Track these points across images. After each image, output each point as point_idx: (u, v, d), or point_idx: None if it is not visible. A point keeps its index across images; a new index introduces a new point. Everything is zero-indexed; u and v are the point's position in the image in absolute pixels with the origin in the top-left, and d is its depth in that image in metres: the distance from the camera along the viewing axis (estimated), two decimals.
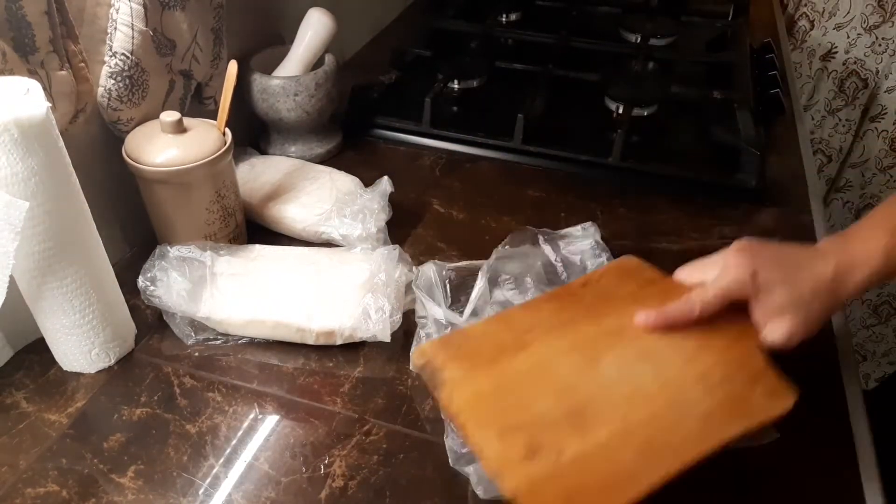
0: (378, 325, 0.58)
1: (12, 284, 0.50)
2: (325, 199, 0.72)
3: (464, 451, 0.49)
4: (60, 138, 0.49)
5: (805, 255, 0.51)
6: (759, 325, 0.50)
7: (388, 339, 0.58)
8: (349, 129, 0.89)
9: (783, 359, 0.60)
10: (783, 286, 0.49)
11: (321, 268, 0.63)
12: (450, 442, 0.51)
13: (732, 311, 0.51)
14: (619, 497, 0.41)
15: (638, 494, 0.41)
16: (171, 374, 0.58)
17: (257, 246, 0.66)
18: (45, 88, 0.51)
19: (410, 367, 0.56)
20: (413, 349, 0.56)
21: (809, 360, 0.60)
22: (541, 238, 0.66)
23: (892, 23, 1.39)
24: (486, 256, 0.71)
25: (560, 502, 0.41)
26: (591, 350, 0.49)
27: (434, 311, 0.58)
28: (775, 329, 0.49)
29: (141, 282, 0.59)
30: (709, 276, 0.51)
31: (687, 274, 0.54)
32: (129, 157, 0.61)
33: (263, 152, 0.84)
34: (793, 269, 0.50)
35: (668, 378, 0.48)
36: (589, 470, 0.42)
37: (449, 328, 0.57)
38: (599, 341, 0.50)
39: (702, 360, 0.49)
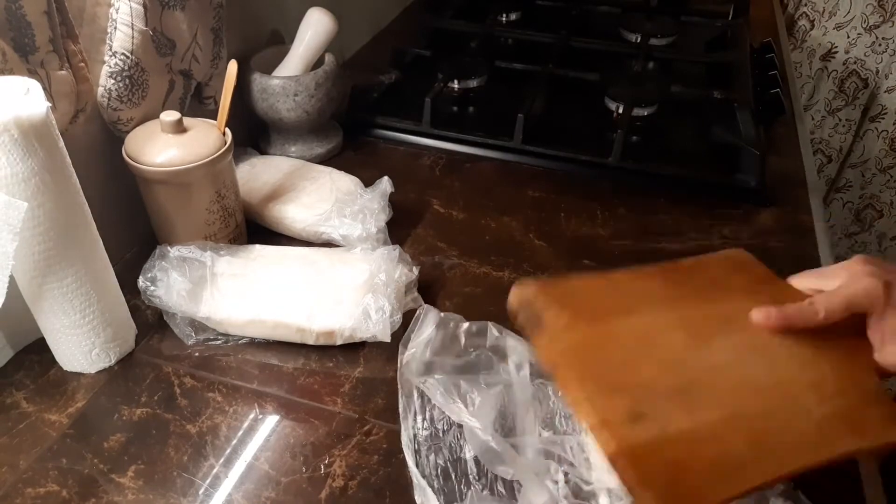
0: (378, 326, 0.58)
1: (12, 285, 0.50)
2: (325, 199, 0.72)
3: None
4: (60, 138, 0.49)
5: None
6: (877, 344, 0.46)
7: (388, 340, 0.58)
8: (349, 129, 0.89)
9: None
10: None
11: (321, 268, 0.63)
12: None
13: (846, 325, 0.47)
14: (727, 486, 0.39)
15: (747, 488, 0.39)
16: (171, 374, 0.58)
17: (257, 246, 0.66)
18: (45, 88, 0.51)
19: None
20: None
21: None
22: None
23: (893, 23, 1.39)
24: (487, 256, 0.71)
25: (664, 475, 0.38)
26: (701, 331, 0.46)
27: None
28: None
29: (141, 282, 0.59)
30: (827, 285, 0.48)
31: (802, 280, 0.51)
32: (129, 157, 0.61)
33: (263, 152, 0.84)
34: None
35: (781, 377, 0.45)
36: (697, 449, 0.40)
37: None
38: (710, 324, 0.47)
39: (817, 367, 0.46)
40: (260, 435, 0.54)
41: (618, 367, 0.43)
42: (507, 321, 0.63)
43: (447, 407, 0.50)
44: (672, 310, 0.48)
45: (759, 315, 0.48)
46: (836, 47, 1.46)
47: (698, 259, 0.53)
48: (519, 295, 0.47)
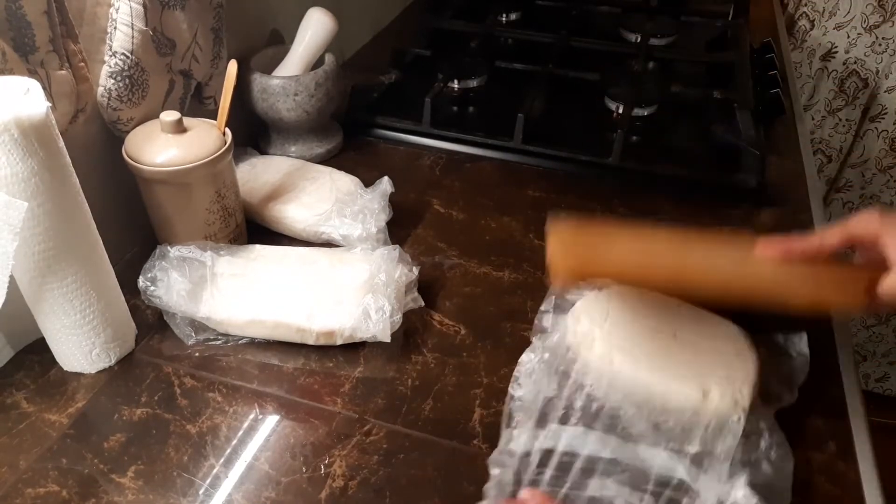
0: (378, 326, 0.58)
1: (12, 285, 0.50)
2: (325, 199, 0.72)
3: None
4: (60, 138, 0.49)
5: None
6: (891, 260, 0.47)
7: (388, 340, 0.58)
8: (349, 129, 0.89)
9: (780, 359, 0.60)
10: None
11: (321, 268, 0.63)
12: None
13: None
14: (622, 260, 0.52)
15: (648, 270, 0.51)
16: (171, 375, 0.58)
17: (257, 246, 0.66)
18: (44, 88, 0.51)
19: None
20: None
21: (810, 360, 0.60)
22: None
23: (893, 22, 1.39)
24: (487, 256, 0.71)
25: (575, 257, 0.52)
26: (692, 244, 0.54)
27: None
28: None
29: (141, 282, 0.59)
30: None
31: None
32: (129, 157, 0.61)
33: (263, 152, 0.84)
34: None
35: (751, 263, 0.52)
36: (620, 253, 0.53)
37: None
38: (705, 242, 0.54)
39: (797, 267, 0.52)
40: (260, 435, 0.54)
41: (599, 247, 0.54)
42: (506, 321, 0.64)
43: None
44: (673, 237, 0.55)
45: (762, 244, 0.52)
46: (836, 47, 1.46)
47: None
48: (556, 235, 0.55)
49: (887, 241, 0.48)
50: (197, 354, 0.60)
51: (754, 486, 0.46)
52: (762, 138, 0.84)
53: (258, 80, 0.78)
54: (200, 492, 0.49)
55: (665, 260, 0.53)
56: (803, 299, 0.51)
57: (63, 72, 0.55)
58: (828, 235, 0.50)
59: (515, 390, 0.53)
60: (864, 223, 0.49)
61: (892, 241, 0.48)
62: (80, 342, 0.56)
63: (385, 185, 0.73)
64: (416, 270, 0.64)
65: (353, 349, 0.60)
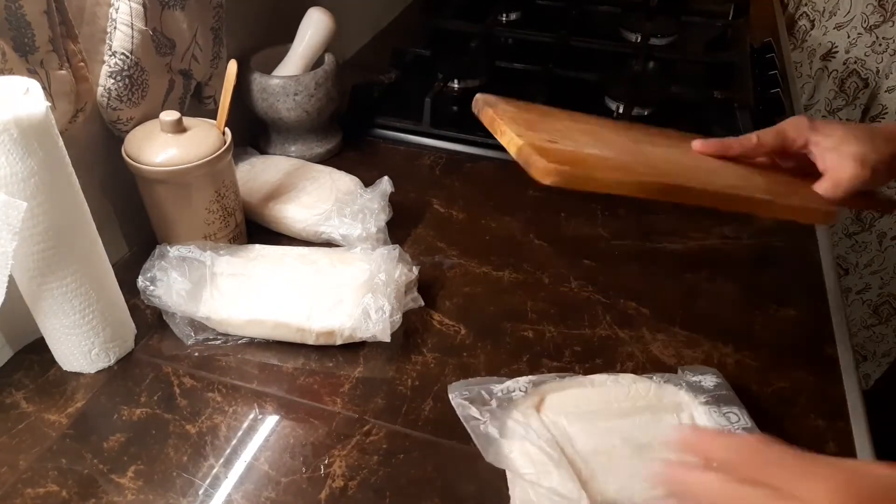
0: (378, 326, 0.58)
1: (12, 285, 0.50)
2: (325, 199, 0.72)
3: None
4: (60, 138, 0.49)
5: None
6: (822, 165, 0.52)
7: (388, 340, 0.58)
8: (349, 129, 0.89)
9: (782, 360, 0.60)
10: (842, 126, 0.52)
11: (321, 268, 0.63)
12: (483, 429, 0.49)
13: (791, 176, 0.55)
14: (612, 172, 0.49)
15: (631, 177, 0.49)
16: (170, 374, 0.58)
17: (257, 246, 0.66)
18: (44, 88, 0.51)
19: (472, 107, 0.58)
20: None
21: (810, 360, 0.60)
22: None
23: (893, 22, 1.39)
24: (487, 256, 0.71)
25: (560, 161, 0.48)
26: (638, 137, 0.56)
27: None
28: (843, 156, 0.50)
29: (141, 282, 0.59)
30: None
31: None
32: (128, 156, 0.61)
33: (263, 152, 0.84)
34: (848, 122, 0.55)
35: (707, 161, 0.54)
36: (597, 156, 0.51)
37: None
38: (649, 138, 0.57)
39: (747, 170, 0.54)
40: (260, 435, 0.53)
41: (550, 126, 0.54)
42: (506, 321, 0.63)
43: None
44: (616, 129, 0.59)
45: (698, 142, 0.56)
46: (836, 47, 1.46)
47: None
48: (484, 99, 0.57)
49: (817, 143, 0.52)
50: (196, 354, 0.60)
51: None
52: None
53: (258, 79, 0.78)
54: (200, 492, 0.49)
55: (632, 152, 0.55)
56: (785, 204, 0.52)
57: (63, 72, 0.55)
58: (762, 135, 0.55)
59: None
60: (793, 128, 0.54)
61: (824, 143, 0.52)
62: (79, 342, 0.56)
63: (385, 184, 0.73)
64: (416, 270, 0.64)
65: (353, 349, 0.60)
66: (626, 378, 0.54)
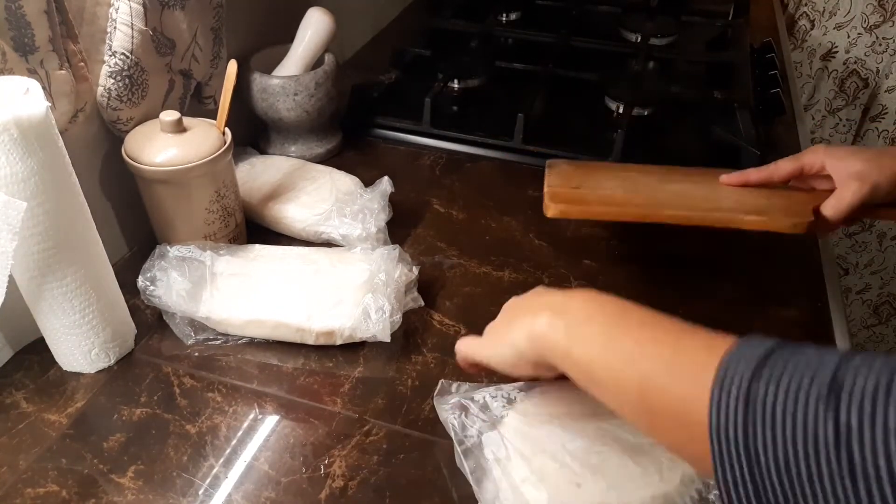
0: (378, 326, 0.58)
1: (12, 285, 0.50)
2: (325, 199, 0.72)
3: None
4: (60, 138, 0.49)
5: None
6: (838, 180, 0.57)
7: (388, 340, 0.58)
8: (349, 129, 0.89)
9: None
10: (852, 147, 0.60)
11: (321, 268, 0.63)
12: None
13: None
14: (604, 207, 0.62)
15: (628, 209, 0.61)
16: (170, 374, 0.58)
17: (257, 246, 0.66)
18: (44, 88, 0.51)
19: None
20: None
21: None
22: None
23: (893, 22, 1.39)
24: (487, 256, 0.71)
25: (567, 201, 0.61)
26: (671, 178, 0.66)
27: None
28: (849, 171, 0.56)
29: (141, 282, 0.59)
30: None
31: None
32: (128, 156, 0.61)
33: (263, 152, 0.84)
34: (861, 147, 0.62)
35: (716, 189, 0.64)
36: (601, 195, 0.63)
37: None
38: (683, 177, 0.66)
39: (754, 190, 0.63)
40: (260, 435, 0.53)
41: (589, 177, 0.66)
42: None
43: None
44: (655, 174, 0.67)
45: (723, 177, 0.64)
46: (836, 47, 1.46)
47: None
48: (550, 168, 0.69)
49: (830, 166, 0.58)
50: (196, 354, 0.60)
51: None
52: (762, 138, 0.84)
53: (258, 79, 0.78)
54: (200, 492, 0.49)
55: (644, 189, 0.64)
56: (758, 219, 0.59)
57: (63, 71, 0.55)
58: (781, 164, 0.61)
59: None
60: (811, 154, 0.60)
61: (835, 165, 0.57)
62: (79, 342, 0.56)
63: (385, 184, 0.73)
64: (416, 270, 0.64)
65: (353, 349, 0.60)
66: None
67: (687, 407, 0.33)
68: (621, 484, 0.45)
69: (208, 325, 0.60)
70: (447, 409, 0.50)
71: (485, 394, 0.51)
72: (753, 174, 0.63)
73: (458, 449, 0.48)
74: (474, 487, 0.47)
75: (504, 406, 0.50)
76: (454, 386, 0.53)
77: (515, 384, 0.52)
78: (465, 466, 0.47)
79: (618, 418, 0.49)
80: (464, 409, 0.50)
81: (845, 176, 0.57)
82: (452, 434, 0.49)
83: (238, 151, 0.79)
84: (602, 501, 0.45)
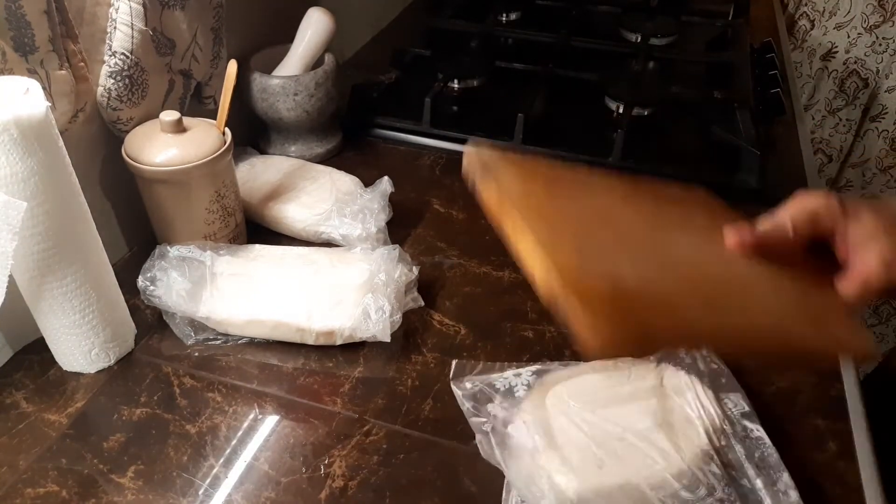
0: (378, 326, 0.58)
1: (12, 284, 0.50)
2: (325, 199, 0.72)
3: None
4: (60, 138, 0.49)
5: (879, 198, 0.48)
6: (848, 254, 0.45)
7: (388, 340, 0.58)
8: (349, 129, 0.89)
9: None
10: (870, 211, 0.45)
11: (321, 268, 0.63)
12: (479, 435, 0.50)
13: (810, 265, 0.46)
14: (673, 332, 0.38)
15: (693, 337, 0.39)
16: (170, 374, 0.58)
17: (257, 246, 0.66)
18: (44, 88, 0.51)
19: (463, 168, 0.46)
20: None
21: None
22: None
23: (893, 22, 1.39)
24: (487, 256, 0.71)
25: (612, 316, 0.36)
26: (659, 222, 0.45)
27: None
28: (869, 253, 0.44)
29: (141, 282, 0.59)
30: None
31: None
32: (128, 156, 0.61)
33: (263, 152, 0.84)
34: (872, 201, 0.46)
35: (739, 272, 0.44)
36: (645, 299, 0.38)
37: None
38: (669, 220, 0.46)
39: (778, 277, 0.45)
40: (260, 435, 0.53)
41: (571, 226, 0.42)
42: (506, 320, 0.63)
43: None
44: (631, 204, 0.46)
45: (730, 233, 0.46)
46: (836, 47, 1.46)
47: (660, 183, 0.51)
48: (476, 154, 0.44)
49: (841, 237, 0.46)
50: (196, 354, 0.60)
51: None
52: (762, 138, 0.84)
53: (258, 79, 0.78)
54: (200, 492, 0.49)
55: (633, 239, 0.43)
56: (804, 340, 0.43)
57: (63, 72, 0.55)
58: (796, 223, 0.46)
59: None
60: (828, 213, 0.46)
61: (848, 238, 0.45)
62: (79, 342, 0.56)
63: (385, 184, 0.73)
64: (416, 270, 0.64)
65: (353, 349, 0.60)
66: (626, 362, 0.55)
67: None
68: (644, 465, 0.47)
69: (208, 325, 0.60)
70: (468, 395, 0.51)
71: (506, 378, 0.52)
72: (770, 239, 0.46)
73: (484, 437, 0.49)
74: (505, 471, 0.48)
75: (526, 389, 0.52)
76: (468, 366, 0.54)
77: (531, 367, 0.53)
78: (496, 452, 0.48)
79: (633, 403, 0.51)
80: (485, 394, 0.51)
81: (867, 255, 0.45)
82: (472, 418, 0.50)
83: (238, 151, 0.79)
84: (627, 481, 0.46)
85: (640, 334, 0.37)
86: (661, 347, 0.42)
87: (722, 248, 0.46)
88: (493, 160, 0.44)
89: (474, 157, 0.44)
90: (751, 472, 0.48)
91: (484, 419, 0.50)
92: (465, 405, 0.51)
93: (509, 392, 0.52)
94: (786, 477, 0.47)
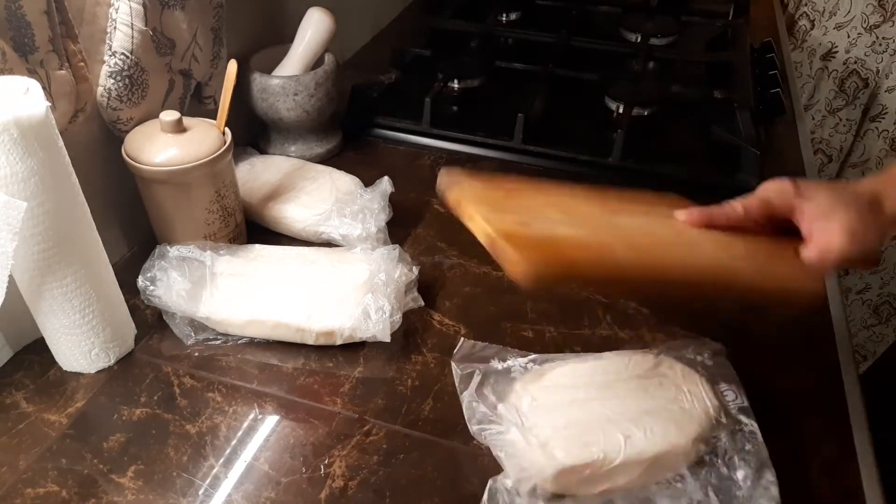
0: (378, 326, 0.58)
1: (12, 285, 0.50)
2: (325, 199, 0.72)
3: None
4: (60, 138, 0.49)
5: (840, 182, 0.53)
6: (808, 233, 0.49)
7: (388, 340, 0.58)
8: (349, 129, 0.89)
9: (782, 360, 0.60)
10: (827, 191, 0.49)
11: (321, 268, 0.63)
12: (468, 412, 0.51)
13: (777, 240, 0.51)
14: (609, 267, 0.45)
15: (631, 275, 0.45)
16: (170, 374, 0.58)
17: (257, 246, 0.66)
18: (44, 88, 0.50)
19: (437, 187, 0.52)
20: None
21: (810, 360, 0.60)
22: None
23: (893, 22, 1.39)
24: (487, 256, 0.70)
25: (539, 249, 0.43)
26: (619, 210, 0.52)
27: None
28: (831, 223, 0.47)
29: (141, 282, 0.59)
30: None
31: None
32: (128, 156, 0.61)
33: (263, 152, 0.84)
34: (831, 183, 0.50)
35: (688, 233, 0.50)
36: (579, 240, 0.46)
37: None
38: (624, 206, 0.52)
39: (729, 237, 0.51)
40: (260, 435, 0.53)
41: (517, 204, 0.49)
42: (506, 320, 0.63)
43: None
44: (592, 199, 0.53)
45: (681, 212, 0.52)
46: (836, 47, 1.46)
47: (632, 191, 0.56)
48: (448, 174, 0.51)
49: (800, 214, 0.50)
50: (196, 354, 0.60)
51: None
52: (762, 138, 0.84)
53: (258, 79, 0.78)
54: (200, 492, 0.49)
55: (592, 230, 0.49)
56: (746, 277, 0.49)
57: (63, 72, 0.55)
58: (747, 204, 0.52)
59: None
60: (780, 194, 0.51)
61: (805, 214, 0.49)
62: (79, 342, 0.56)
63: (385, 184, 0.73)
64: (416, 270, 0.64)
65: (353, 349, 0.60)
66: (626, 352, 0.56)
67: None
68: (629, 446, 0.48)
69: (208, 325, 0.60)
70: (466, 374, 0.53)
71: (506, 363, 0.55)
72: (719, 217, 0.51)
73: (474, 413, 0.51)
74: (498, 456, 0.49)
75: (522, 371, 0.55)
76: (470, 345, 0.56)
77: (531, 357, 0.56)
78: (486, 431, 0.50)
79: (629, 388, 0.52)
80: (485, 376, 0.54)
81: (828, 228, 0.48)
82: (471, 403, 0.52)
83: (238, 151, 0.79)
84: (610, 459, 0.47)
85: (566, 267, 0.44)
86: (587, 281, 0.52)
87: (675, 221, 0.52)
88: (461, 177, 0.51)
89: (446, 176, 0.51)
90: (737, 463, 0.49)
91: (478, 399, 0.52)
92: (461, 384, 0.53)
93: (506, 372, 0.55)
94: (770, 474, 0.48)
